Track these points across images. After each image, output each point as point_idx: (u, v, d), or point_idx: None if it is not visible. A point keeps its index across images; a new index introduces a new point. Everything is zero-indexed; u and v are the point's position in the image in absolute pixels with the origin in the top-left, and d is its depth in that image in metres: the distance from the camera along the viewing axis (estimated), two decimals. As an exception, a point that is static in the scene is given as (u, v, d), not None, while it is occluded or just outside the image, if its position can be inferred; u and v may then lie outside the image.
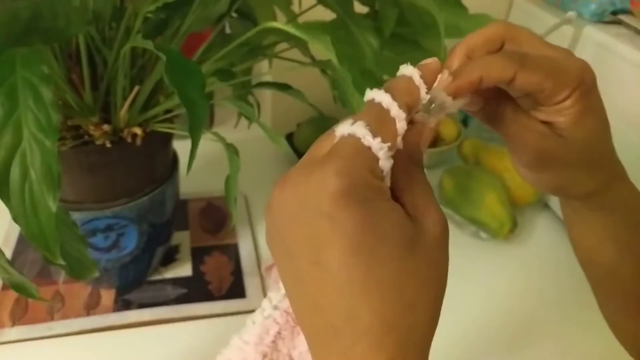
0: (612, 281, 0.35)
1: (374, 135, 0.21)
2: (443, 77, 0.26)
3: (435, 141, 0.81)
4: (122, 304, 0.57)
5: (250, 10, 0.57)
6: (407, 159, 0.24)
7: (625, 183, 0.32)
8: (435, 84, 0.26)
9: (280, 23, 0.35)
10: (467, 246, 0.69)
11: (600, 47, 0.68)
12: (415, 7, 0.51)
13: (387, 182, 0.22)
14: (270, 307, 0.28)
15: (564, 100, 0.27)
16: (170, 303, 0.58)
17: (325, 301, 0.20)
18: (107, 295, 0.58)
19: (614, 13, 0.71)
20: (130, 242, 0.54)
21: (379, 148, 0.21)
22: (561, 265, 0.63)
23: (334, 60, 0.33)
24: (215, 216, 0.71)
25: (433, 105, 0.26)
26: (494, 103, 0.29)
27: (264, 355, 0.27)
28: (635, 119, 0.65)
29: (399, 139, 0.23)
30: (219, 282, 0.61)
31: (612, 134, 0.31)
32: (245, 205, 0.72)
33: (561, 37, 0.76)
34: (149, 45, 0.33)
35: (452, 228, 0.71)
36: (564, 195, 0.33)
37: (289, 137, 0.82)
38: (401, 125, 0.22)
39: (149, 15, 0.34)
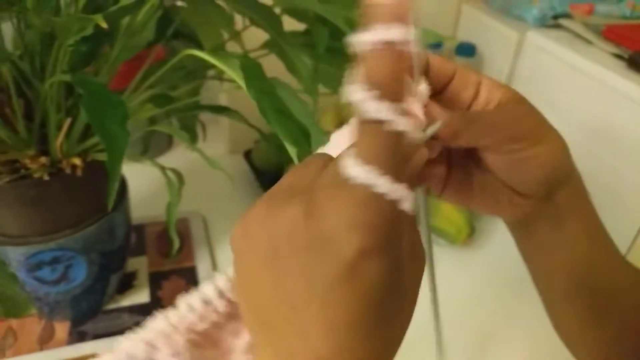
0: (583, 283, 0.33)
1: (392, 180, 0.17)
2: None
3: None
4: (77, 336, 0.56)
5: (193, 32, 0.57)
6: None
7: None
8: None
9: (198, 51, 0.35)
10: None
11: (542, 51, 0.70)
12: (351, 21, 0.52)
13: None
14: (213, 292, 0.24)
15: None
16: (126, 332, 0.57)
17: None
18: (61, 328, 0.57)
19: (555, 17, 0.73)
20: (80, 273, 0.53)
21: (402, 197, 0.17)
22: (520, 267, 0.64)
23: (244, 88, 0.33)
24: (173, 239, 0.70)
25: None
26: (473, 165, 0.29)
27: (197, 346, 0.24)
28: (575, 120, 0.67)
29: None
30: (176, 306, 0.60)
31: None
32: (204, 227, 0.72)
33: (506, 43, 0.77)
34: (67, 78, 0.33)
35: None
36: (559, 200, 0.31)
37: (248, 154, 0.82)
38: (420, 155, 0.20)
39: (71, 48, 0.34)
